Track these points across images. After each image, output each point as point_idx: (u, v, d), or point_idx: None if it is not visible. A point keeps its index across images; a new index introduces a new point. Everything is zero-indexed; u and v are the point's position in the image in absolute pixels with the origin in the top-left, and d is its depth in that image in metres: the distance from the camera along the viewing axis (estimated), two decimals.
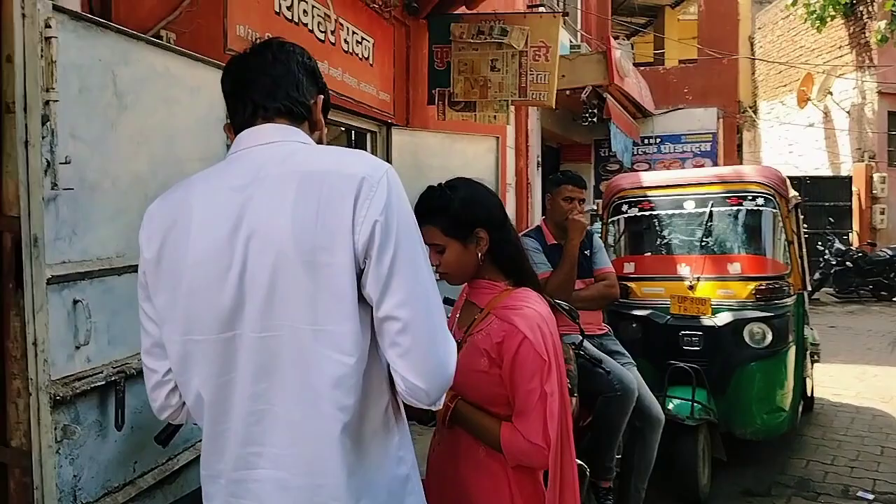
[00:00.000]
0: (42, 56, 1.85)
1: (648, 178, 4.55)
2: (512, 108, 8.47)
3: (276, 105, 1.27)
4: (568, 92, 9.63)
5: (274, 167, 1.19)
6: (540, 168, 9.90)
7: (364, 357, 1.16)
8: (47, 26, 1.84)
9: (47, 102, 1.86)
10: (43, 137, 1.87)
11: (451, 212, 1.63)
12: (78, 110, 2.02)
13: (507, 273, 1.70)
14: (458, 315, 1.81)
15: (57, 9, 1.90)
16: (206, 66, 2.68)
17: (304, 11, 3.62)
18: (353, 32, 4.19)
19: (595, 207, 7.51)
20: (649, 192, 4.38)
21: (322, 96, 1.36)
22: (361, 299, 1.15)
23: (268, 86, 1.28)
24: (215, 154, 2.74)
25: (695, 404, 3.56)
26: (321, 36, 3.81)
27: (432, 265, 1.69)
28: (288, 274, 1.13)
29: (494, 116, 5.25)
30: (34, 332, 1.87)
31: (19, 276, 1.90)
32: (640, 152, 12.63)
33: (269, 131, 1.26)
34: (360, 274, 1.14)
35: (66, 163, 1.93)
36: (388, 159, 4.87)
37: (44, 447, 1.90)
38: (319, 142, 1.39)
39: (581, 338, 2.94)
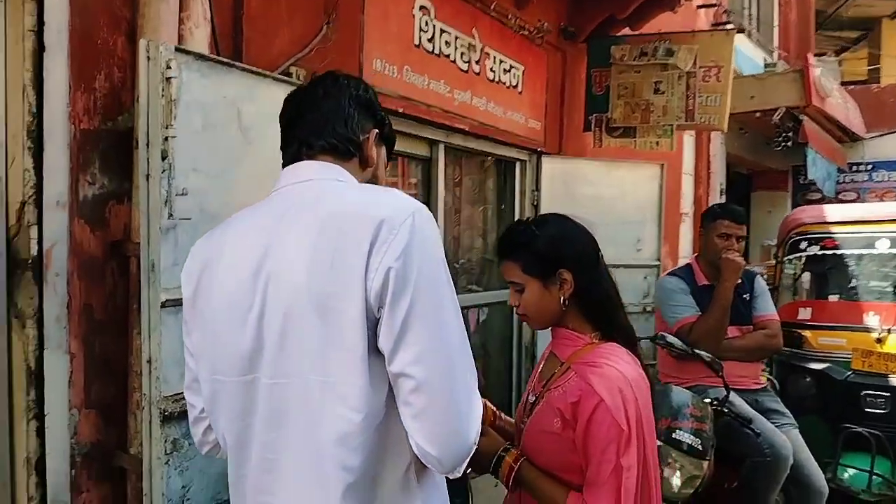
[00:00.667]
0: (163, 95, 2.01)
1: (833, 212, 4.03)
2: (692, 133, 8.04)
3: (321, 143, 1.26)
4: (758, 114, 8.88)
5: (301, 207, 1.17)
6: (723, 196, 9.21)
7: (376, 414, 1.09)
8: (168, 67, 2.00)
9: (166, 138, 2.02)
10: (163, 171, 2.02)
11: (532, 248, 1.53)
12: (201, 145, 2.16)
13: (594, 323, 1.54)
14: (541, 366, 1.67)
15: (180, 51, 2.06)
16: None
17: (447, 42, 3.66)
18: (501, 61, 4.17)
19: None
20: (833, 229, 3.87)
21: (377, 130, 1.32)
22: (378, 351, 1.08)
23: (315, 122, 1.27)
24: None
25: (874, 476, 3.04)
26: (464, 66, 3.82)
27: (512, 305, 1.58)
28: (299, 320, 1.09)
29: (657, 142, 4.94)
30: (149, 350, 2.02)
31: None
32: (846, 180, 11.28)
33: (306, 169, 1.24)
34: (377, 323, 1.07)
35: (182, 195, 2.08)
36: (538, 189, 4.77)
37: (153, 458, 2.03)
38: (374, 179, 1.35)
39: (726, 393, 2.63)
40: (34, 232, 1.91)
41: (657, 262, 5.23)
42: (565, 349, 1.54)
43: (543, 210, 4.78)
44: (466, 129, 3.93)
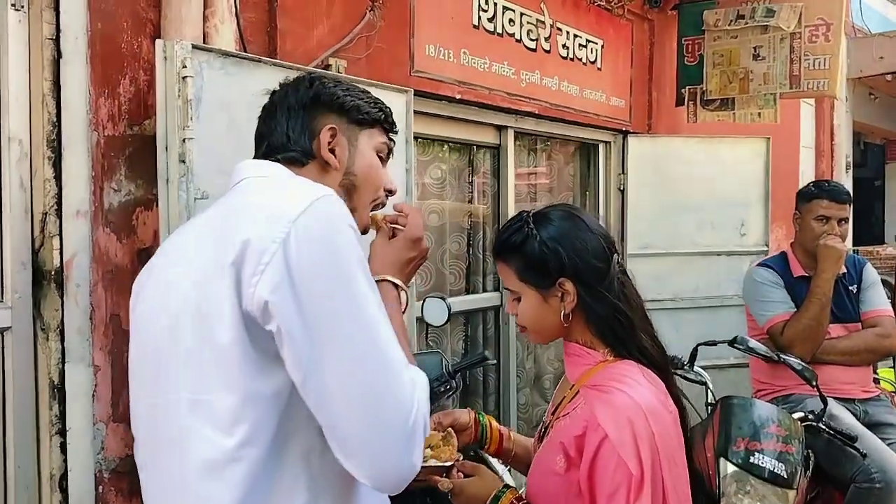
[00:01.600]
0: (179, 95, 1.95)
1: None
2: (811, 101, 7.33)
3: (267, 154, 1.19)
4: (889, 77, 8.01)
5: (210, 209, 1.10)
6: (850, 171, 8.39)
7: (258, 442, 0.93)
8: (184, 66, 1.94)
9: (184, 140, 1.96)
10: (181, 175, 1.97)
11: (527, 251, 1.31)
12: (226, 146, 2.09)
13: (606, 339, 1.31)
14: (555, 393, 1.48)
15: (198, 48, 2.00)
16: (381, 90, 2.64)
17: (510, 20, 3.44)
18: (575, 36, 3.90)
19: None
20: None
21: (332, 126, 1.17)
22: (265, 366, 0.93)
23: (264, 149, 1.19)
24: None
25: None
26: (531, 44, 3.59)
27: (510, 314, 1.40)
28: (178, 331, 0.98)
29: (759, 114, 4.49)
30: None
31: None
32: None
33: (244, 168, 1.16)
34: (267, 335, 0.93)
35: (203, 198, 2.02)
36: (624, 172, 4.47)
37: None
38: (350, 176, 1.21)
39: (823, 405, 2.31)
40: (56, 242, 1.91)
41: (765, 248, 4.80)
42: (575, 368, 1.33)
43: (631, 195, 4.48)
44: (537, 112, 3.70)
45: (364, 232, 1.20)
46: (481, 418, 1.55)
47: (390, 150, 1.27)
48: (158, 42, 1.96)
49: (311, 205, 0.95)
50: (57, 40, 1.90)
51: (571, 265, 1.28)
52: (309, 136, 1.16)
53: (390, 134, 1.28)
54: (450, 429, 1.44)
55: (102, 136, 2.02)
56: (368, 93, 1.26)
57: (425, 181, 3.44)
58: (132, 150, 2.09)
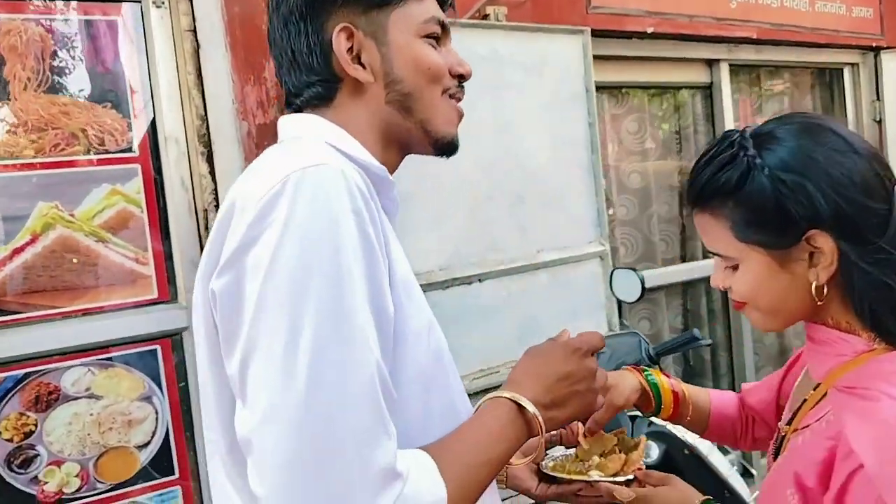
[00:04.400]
0: None
1: None
2: None
3: (292, 101, 0.93)
4: None
5: None
6: None
7: None
8: None
9: None
10: None
11: (750, 193, 0.87)
12: None
13: (877, 322, 0.88)
14: (792, 381, 1.10)
15: None
16: (550, 34, 2.38)
17: None
18: None
19: None
20: None
21: (346, 25, 0.85)
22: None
23: (286, 94, 0.95)
24: (574, 137, 2.42)
25: None
26: None
27: (718, 287, 0.98)
28: (199, 353, 0.84)
29: None
30: None
31: None
32: None
33: (278, 129, 0.94)
34: None
35: None
36: (879, 97, 3.70)
37: None
38: (398, 100, 0.89)
39: None
40: None
41: None
42: (822, 360, 0.92)
43: (892, 127, 3.70)
44: (755, 37, 3.15)
45: (453, 142, 0.93)
46: (649, 378, 1.23)
47: (443, 24, 0.91)
48: None
49: (283, 180, 0.70)
50: (194, 30, 1.88)
51: (831, 208, 0.84)
52: (321, 55, 0.87)
53: None
54: (643, 437, 1.17)
55: (253, 126, 1.98)
56: None
57: (621, 136, 3.08)
58: None
